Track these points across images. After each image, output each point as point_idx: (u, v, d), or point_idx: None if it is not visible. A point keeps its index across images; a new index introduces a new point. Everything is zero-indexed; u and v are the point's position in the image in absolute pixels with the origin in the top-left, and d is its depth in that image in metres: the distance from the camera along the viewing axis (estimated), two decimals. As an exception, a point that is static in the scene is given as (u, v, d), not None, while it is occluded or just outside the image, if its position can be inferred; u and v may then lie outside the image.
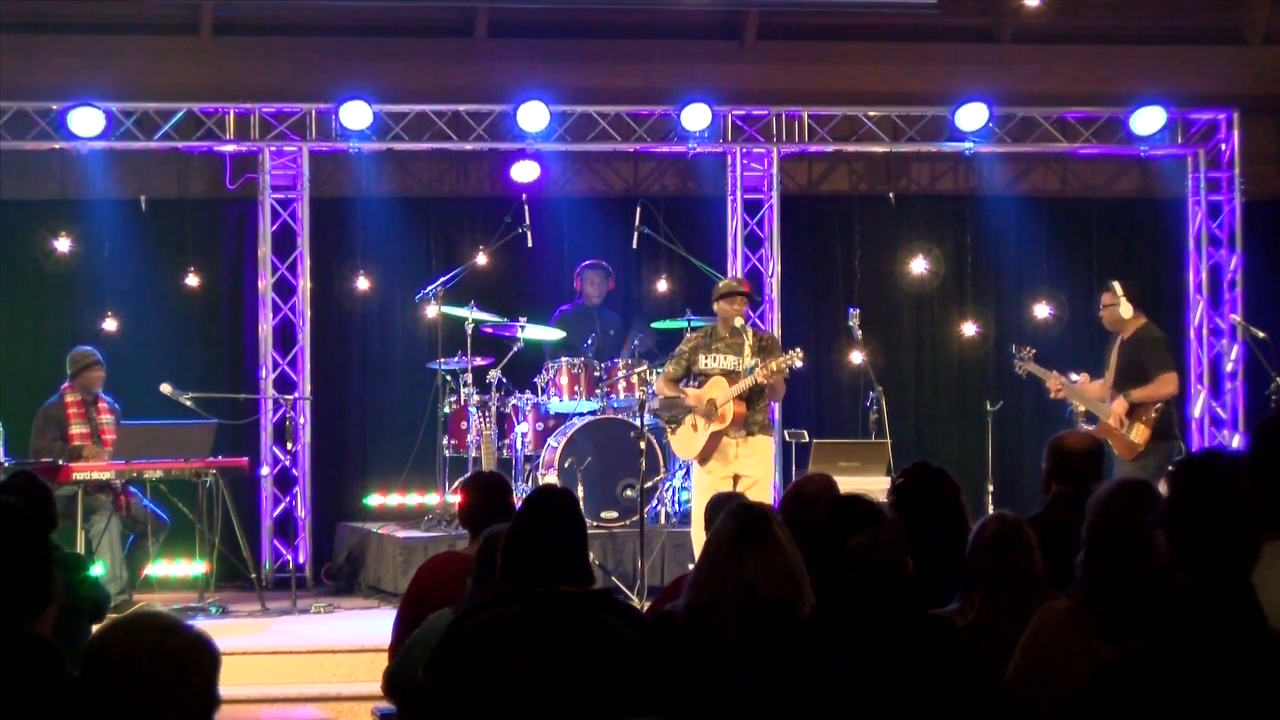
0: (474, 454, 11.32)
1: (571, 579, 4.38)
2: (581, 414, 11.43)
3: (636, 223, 12.06)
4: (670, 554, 10.65)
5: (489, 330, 11.79)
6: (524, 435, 11.52)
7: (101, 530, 10.13)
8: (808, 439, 11.32)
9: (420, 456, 11.89)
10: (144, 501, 10.58)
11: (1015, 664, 4.20)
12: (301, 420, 11.95)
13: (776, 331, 12.30)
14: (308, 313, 12.19)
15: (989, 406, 11.75)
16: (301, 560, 11.89)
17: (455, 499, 10.19)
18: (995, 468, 11.76)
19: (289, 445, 11.72)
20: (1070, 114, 12.73)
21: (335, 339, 12.70)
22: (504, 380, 11.52)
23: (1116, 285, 10.39)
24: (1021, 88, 12.88)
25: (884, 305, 13.11)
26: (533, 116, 12.04)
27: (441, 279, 11.79)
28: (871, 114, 12.65)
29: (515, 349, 11.67)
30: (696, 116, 12.19)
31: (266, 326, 12.10)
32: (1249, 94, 13.09)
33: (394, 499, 12.34)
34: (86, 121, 11.68)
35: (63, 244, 12.25)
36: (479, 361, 11.54)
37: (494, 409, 11.38)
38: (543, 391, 11.60)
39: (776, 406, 10.85)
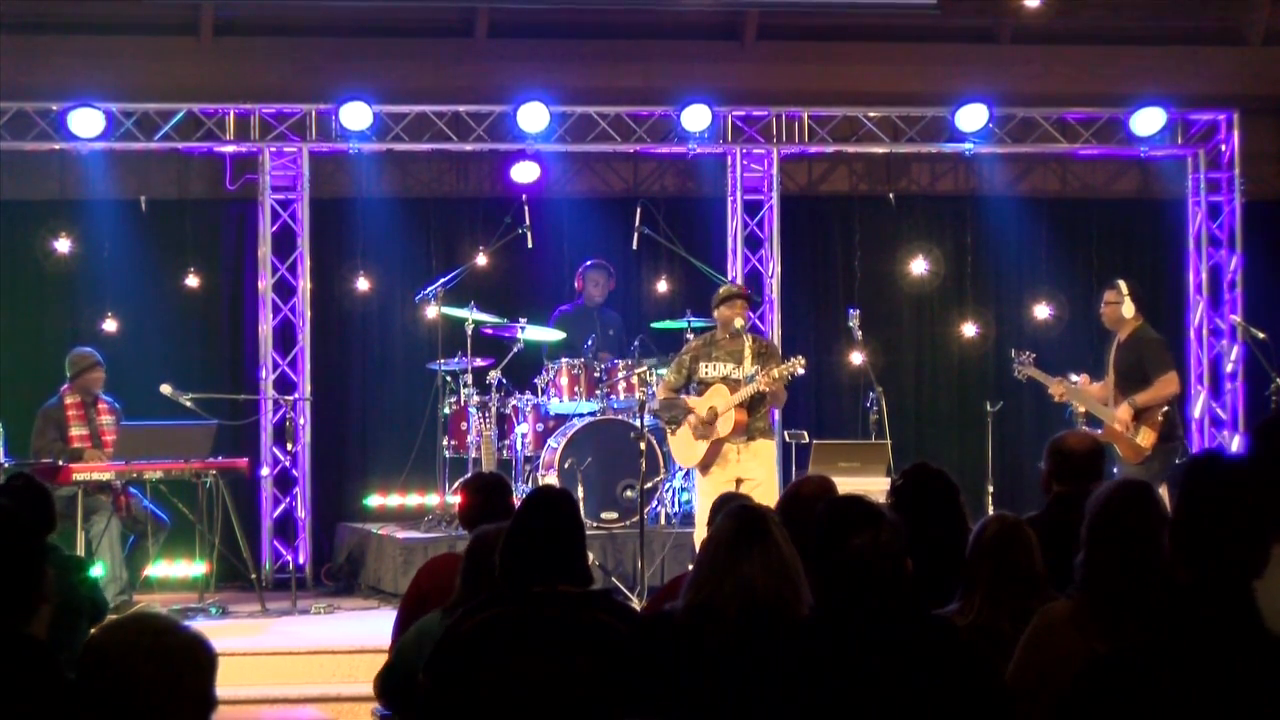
0: (474, 455, 11.32)
1: (570, 579, 4.38)
2: (582, 415, 11.43)
3: (636, 223, 12.07)
4: (670, 555, 10.65)
5: (489, 331, 11.79)
6: (524, 436, 11.52)
7: (101, 531, 10.13)
8: (808, 440, 11.32)
9: (420, 457, 11.89)
10: (144, 502, 10.57)
11: (1015, 664, 4.21)
12: (301, 421, 11.95)
13: (776, 332, 12.31)
14: (308, 313, 12.19)
15: (989, 407, 11.75)
16: (301, 561, 11.89)
17: (455, 500, 10.20)
18: (995, 468, 11.75)
19: (289, 446, 11.73)
20: (1070, 114, 12.73)
21: (335, 339, 12.70)
22: (504, 381, 11.52)
23: (1122, 283, 10.37)
24: (1021, 88, 12.88)
25: (884, 305, 13.11)
26: (533, 117, 12.04)
27: (441, 279, 11.79)
28: (871, 114, 12.65)
29: (515, 350, 11.67)
30: (696, 117, 12.19)
31: (266, 327, 12.10)
32: (1249, 94, 13.09)
33: (394, 499, 12.34)
34: (86, 122, 11.68)
35: (63, 244, 12.25)
36: (479, 362, 11.53)
37: (494, 410, 11.38)
38: (543, 392, 11.60)
39: (776, 410, 10.85)
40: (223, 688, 3.34)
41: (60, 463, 10.14)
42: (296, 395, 11.86)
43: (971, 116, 12.42)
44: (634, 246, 12.26)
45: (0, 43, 11.64)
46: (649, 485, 10.44)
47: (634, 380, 11.35)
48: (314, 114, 12.11)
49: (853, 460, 10.71)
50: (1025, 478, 12.27)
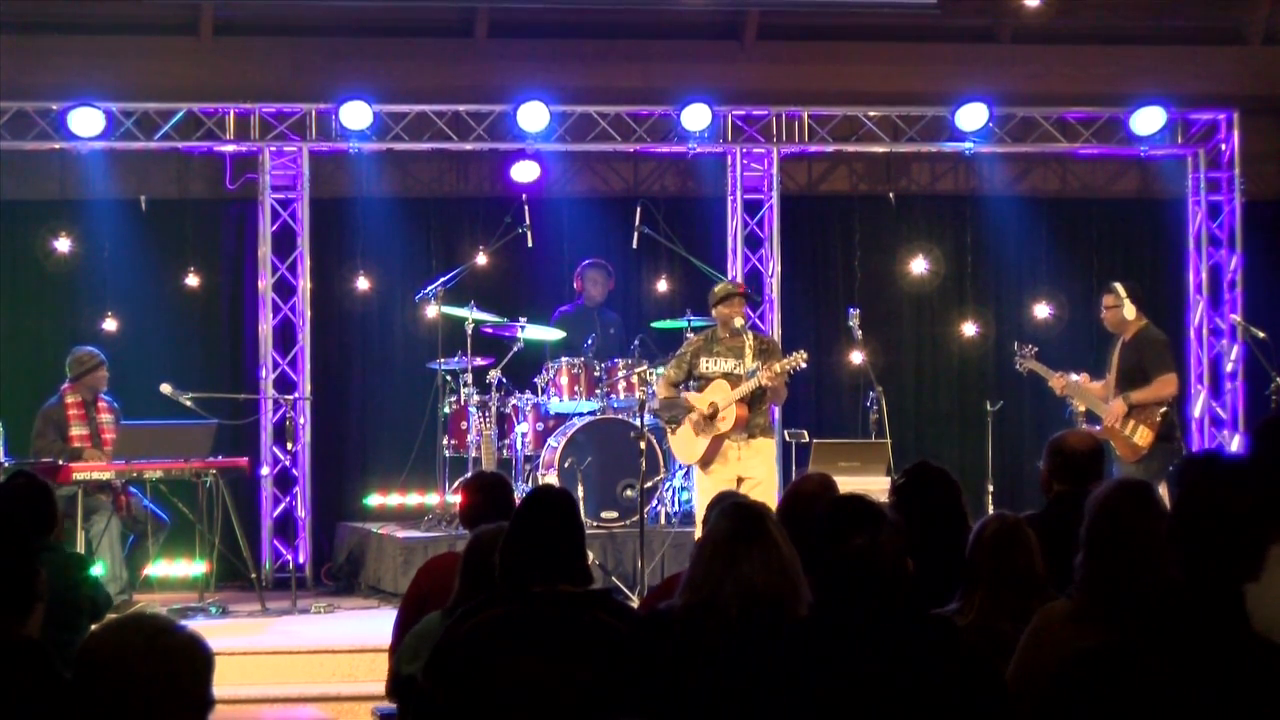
0: (474, 454, 11.31)
1: (570, 579, 4.38)
2: (581, 414, 11.43)
3: (636, 223, 12.06)
4: (670, 554, 10.64)
5: (489, 330, 11.79)
6: (524, 435, 11.52)
7: (101, 530, 10.13)
8: (808, 439, 11.32)
9: (420, 456, 11.89)
10: (144, 501, 10.58)
11: (1015, 664, 4.20)
12: (301, 420, 11.95)
13: (777, 331, 12.31)
14: (308, 313, 12.19)
15: (989, 406, 11.76)
16: (301, 560, 11.89)
17: (455, 499, 10.22)
18: (995, 468, 11.76)
19: (289, 445, 11.72)
20: (1070, 114, 12.73)
21: (335, 339, 12.70)
22: (504, 380, 11.52)
23: (1119, 287, 10.38)
24: (1021, 88, 12.88)
25: (884, 305, 13.11)
26: (533, 116, 12.04)
27: (441, 279, 11.79)
28: (871, 114, 12.65)
29: (515, 349, 11.67)
30: (696, 116, 12.19)
31: (266, 326, 12.09)
32: (1249, 94, 13.09)
33: (394, 499, 12.34)
34: (86, 121, 11.68)
35: (63, 244, 12.25)
36: (479, 361, 11.53)
37: (494, 409, 11.38)
38: (543, 392, 11.60)
39: (777, 408, 10.85)
40: (223, 687, 3.34)
41: (60, 462, 10.15)
42: (296, 395, 11.86)
43: (971, 116, 12.42)
44: (634, 246, 12.25)
45: (0, 43, 11.64)
46: (649, 485, 10.44)
47: (634, 380, 11.34)
48: (314, 114, 12.11)
49: (853, 460, 10.71)
50: (1025, 478, 12.28)
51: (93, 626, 5.62)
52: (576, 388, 11.46)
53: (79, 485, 10.03)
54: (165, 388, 10.71)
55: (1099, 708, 3.19)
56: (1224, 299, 12.92)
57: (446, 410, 11.62)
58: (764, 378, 9.57)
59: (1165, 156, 13.10)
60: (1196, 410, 12.81)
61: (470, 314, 11.48)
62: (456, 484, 10.81)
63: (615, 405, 11.41)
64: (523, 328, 11.68)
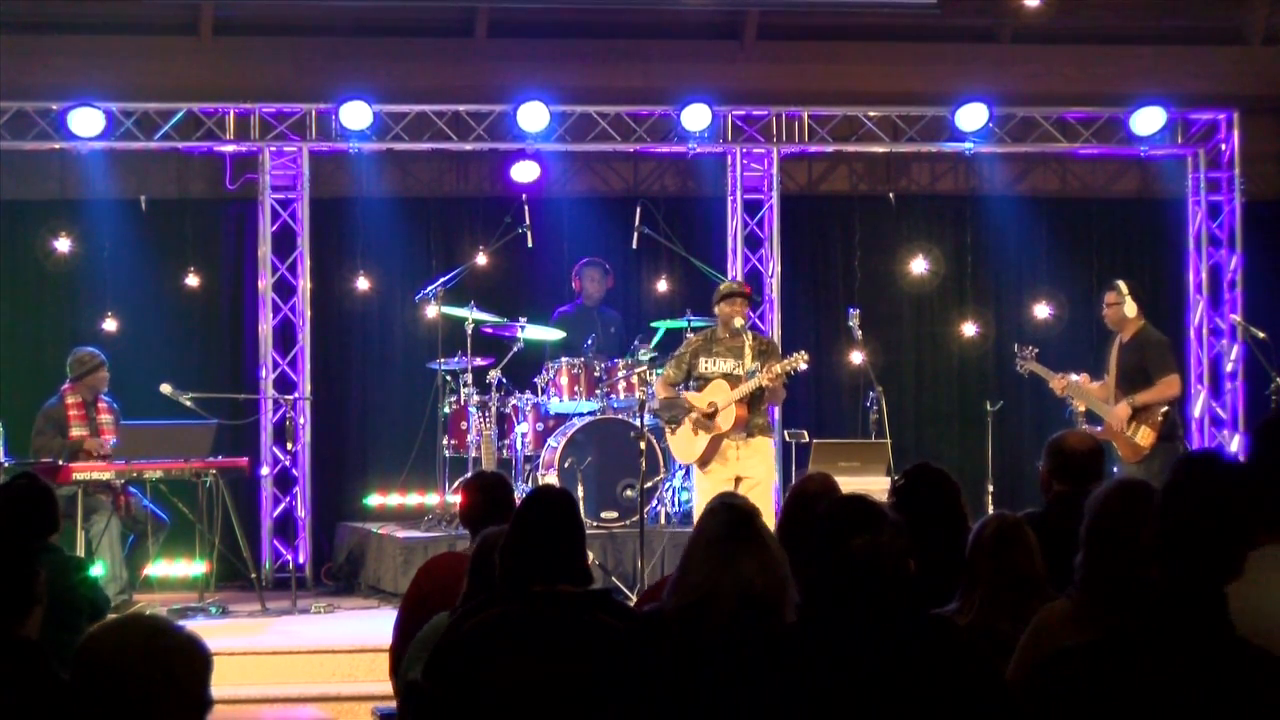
0: (474, 454, 11.31)
1: (570, 579, 4.37)
2: (581, 414, 11.42)
3: (636, 223, 12.06)
4: (670, 554, 10.63)
5: (489, 330, 11.79)
6: (524, 435, 11.52)
7: (101, 530, 10.13)
8: (808, 439, 11.32)
9: (420, 456, 11.89)
10: (144, 502, 10.58)
11: (1015, 664, 4.20)
12: (301, 420, 11.95)
13: (777, 331, 12.31)
14: (308, 313, 12.19)
15: (989, 406, 11.76)
16: (301, 560, 11.89)
17: (455, 499, 10.21)
18: (995, 468, 11.76)
19: (289, 445, 11.72)
20: (1070, 114, 12.73)
21: (335, 339, 12.70)
22: (504, 380, 11.52)
23: (1121, 284, 10.38)
24: (1021, 88, 12.88)
25: (884, 305, 13.11)
26: (533, 116, 12.04)
27: (441, 279, 11.79)
28: (871, 114, 12.65)
29: (515, 349, 11.67)
30: (696, 116, 12.19)
31: (266, 326, 12.10)
32: (1249, 94, 13.09)
33: (394, 499, 12.34)
34: (86, 121, 11.68)
35: (63, 244, 12.25)
36: (479, 361, 11.53)
37: (494, 409, 11.38)
38: (543, 391, 11.60)
39: (776, 408, 10.85)
40: (223, 687, 3.34)
41: (60, 462, 10.15)
42: (296, 395, 11.86)
43: (971, 116, 12.42)
44: (634, 246, 12.25)
45: (0, 43, 11.64)
46: (649, 484, 10.44)
47: (634, 380, 11.34)
48: (314, 114, 12.12)
49: (853, 460, 10.72)
50: (1025, 478, 12.27)
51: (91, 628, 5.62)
52: (576, 388, 11.46)
53: (79, 485, 10.03)
54: (165, 388, 10.71)
55: (1081, 705, 3.19)
56: (1224, 299, 12.92)
57: (446, 410, 11.62)
58: (765, 378, 9.57)
59: (1165, 156, 13.10)
60: (1197, 410, 12.81)
61: (470, 314, 11.48)
62: (456, 484, 10.81)
63: (615, 405, 11.41)
64: (523, 328, 11.68)
